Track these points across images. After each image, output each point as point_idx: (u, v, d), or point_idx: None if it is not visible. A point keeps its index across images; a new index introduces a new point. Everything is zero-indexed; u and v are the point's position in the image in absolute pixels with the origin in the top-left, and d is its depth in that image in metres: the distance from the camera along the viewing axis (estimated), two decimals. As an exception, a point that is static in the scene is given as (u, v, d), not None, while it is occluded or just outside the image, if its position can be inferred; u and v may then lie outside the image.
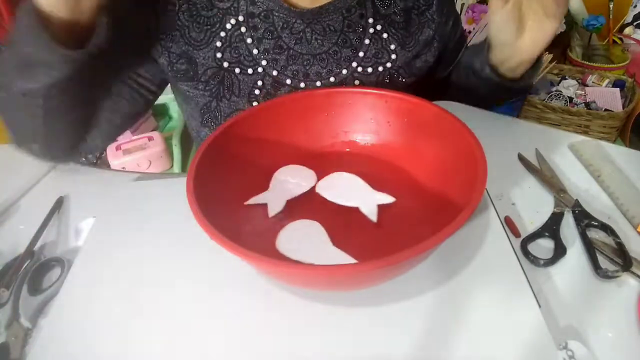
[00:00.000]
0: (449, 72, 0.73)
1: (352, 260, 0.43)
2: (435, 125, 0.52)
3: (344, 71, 0.62)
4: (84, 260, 0.50)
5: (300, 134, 0.57)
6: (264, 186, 0.53)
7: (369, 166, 0.56)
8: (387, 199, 0.51)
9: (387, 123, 0.56)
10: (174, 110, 1.51)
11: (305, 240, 0.46)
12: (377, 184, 0.53)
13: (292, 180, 0.53)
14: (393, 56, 0.63)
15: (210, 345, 0.42)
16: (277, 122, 0.55)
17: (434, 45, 0.66)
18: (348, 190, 0.52)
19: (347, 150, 0.58)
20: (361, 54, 0.62)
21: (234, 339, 0.42)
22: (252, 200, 0.51)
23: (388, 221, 0.49)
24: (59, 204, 0.59)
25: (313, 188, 0.53)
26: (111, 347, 0.42)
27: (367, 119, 0.57)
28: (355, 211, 0.50)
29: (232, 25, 0.58)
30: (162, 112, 1.52)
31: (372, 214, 0.49)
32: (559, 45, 1.53)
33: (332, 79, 0.63)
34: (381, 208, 0.50)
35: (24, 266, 0.50)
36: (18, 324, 0.45)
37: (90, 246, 0.52)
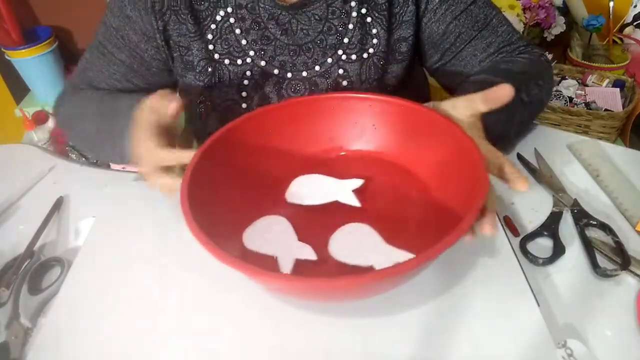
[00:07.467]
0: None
1: (409, 257, 0.42)
2: (428, 127, 0.50)
3: (329, 60, 0.63)
4: (83, 260, 0.51)
5: (292, 142, 0.55)
6: (263, 197, 0.51)
7: (364, 171, 0.54)
8: (357, 183, 0.51)
9: (373, 127, 0.55)
10: (174, 110, 1.51)
11: (358, 243, 0.45)
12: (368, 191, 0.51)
13: (276, 228, 0.48)
14: (375, 41, 0.63)
15: (210, 344, 0.42)
16: (267, 130, 0.53)
17: (414, 23, 0.63)
18: (318, 188, 0.51)
19: (341, 154, 0.57)
20: (346, 40, 0.62)
21: (234, 339, 0.42)
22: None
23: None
24: (58, 204, 0.59)
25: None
26: (111, 347, 0.43)
27: (352, 123, 0.55)
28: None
29: (222, 17, 0.60)
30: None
31: (352, 200, 0.50)
32: (559, 45, 1.53)
33: (317, 68, 0.63)
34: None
35: (24, 266, 0.50)
36: (18, 323, 0.45)
37: (90, 246, 0.52)
